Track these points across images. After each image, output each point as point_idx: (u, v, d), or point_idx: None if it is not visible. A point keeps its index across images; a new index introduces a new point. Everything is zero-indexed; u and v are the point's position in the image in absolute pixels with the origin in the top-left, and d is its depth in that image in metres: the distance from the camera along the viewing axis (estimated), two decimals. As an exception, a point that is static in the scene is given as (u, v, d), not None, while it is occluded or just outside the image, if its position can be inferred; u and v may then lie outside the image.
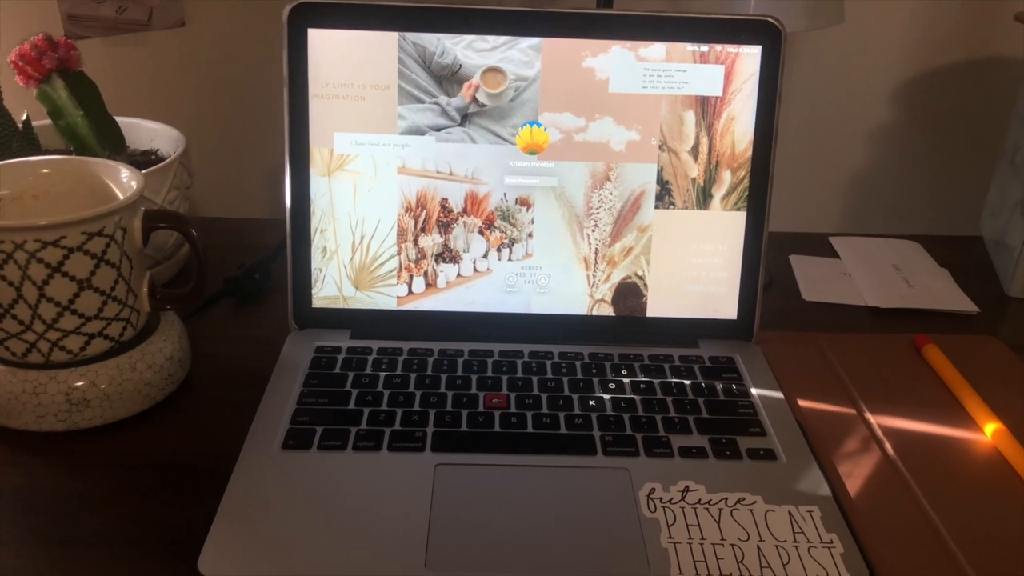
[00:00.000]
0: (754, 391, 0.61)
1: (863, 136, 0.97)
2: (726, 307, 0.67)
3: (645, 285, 0.66)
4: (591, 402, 0.59)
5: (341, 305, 0.66)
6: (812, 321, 0.75)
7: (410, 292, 0.66)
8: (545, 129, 0.65)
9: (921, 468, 0.54)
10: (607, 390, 0.61)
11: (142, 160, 0.76)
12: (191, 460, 0.55)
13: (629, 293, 0.67)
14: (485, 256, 0.66)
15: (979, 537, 0.49)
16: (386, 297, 0.66)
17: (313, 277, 0.66)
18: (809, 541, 0.48)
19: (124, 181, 0.59)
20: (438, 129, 0.64)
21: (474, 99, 0.64)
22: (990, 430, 0.58)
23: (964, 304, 0.77)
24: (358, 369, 0.62)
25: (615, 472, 0.53)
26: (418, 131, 0.64)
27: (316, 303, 0.66)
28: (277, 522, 0.48)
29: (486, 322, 0.67)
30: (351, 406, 0.58)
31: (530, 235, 0.66)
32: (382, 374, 0.61)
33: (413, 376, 0.61)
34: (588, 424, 0.57)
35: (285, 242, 0.65)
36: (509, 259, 0.66)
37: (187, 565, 0.45)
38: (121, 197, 0.57)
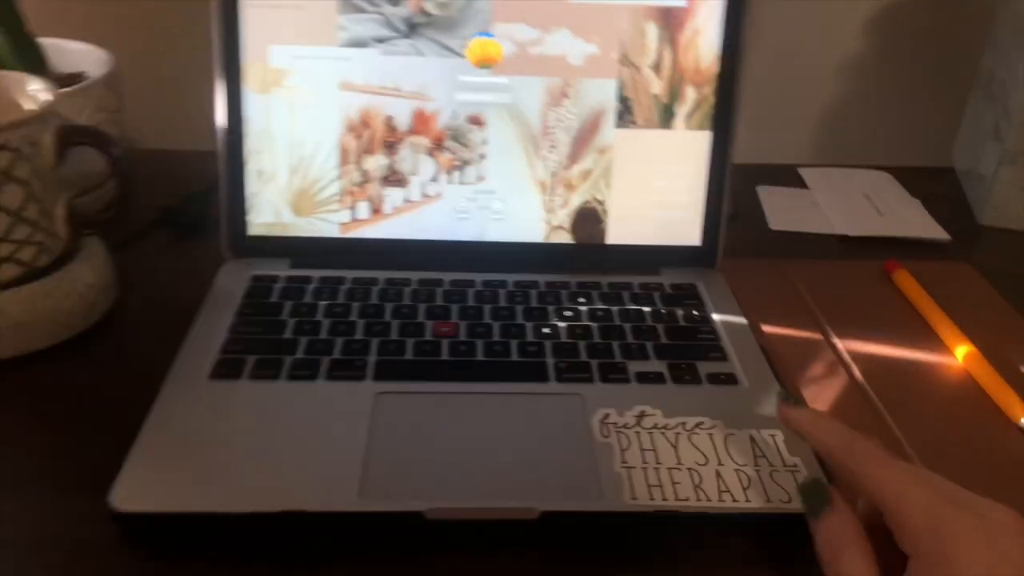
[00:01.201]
0: (716, 317, 0.58)
1: (834, 66, 0.94)
2: (689, 233, 0.64)
3: (605, 210, 0.63)
4: (545, 330, 0.56)
5: (280, 232, 0.62)
6: (779, 250, 0.72)
7: (354, 219, 0.62)
8: (498, 41, 0.60)
9: (890, 392, 0.52)
10: (563, 318, 0.57)
11: (66, 82, 0.70)
12: (112, 393, 0.51)
13: (588, 219, 0.63)
14: (434, 179, 0.62)
15: (949, 461, 0.47)
16: (328, 224, 0.62)
17: (248, 203, 0.61)
18: (771, 465, 0.45)
19: (34, 94, 0.54)
20: (382, 41, 0.60)
21: (421, 8, 0.59)
22: (961, 353, 0.55)
23: (936, 232, 0.74)
24: (296, 299, 0.58)
25: (568, 398, 0.50)
26: (360, 43, 0.60)
27: (252, 231, 0.62)
28: (199, 455, 0.44)
29: (436, 250, 0.63)
30: (287, 335, 0.54)
31: (482, 157, 0.62)
32: (322, 303, 0.58)
33: (356, 306, 0.57)
34: (541, 351, 0.54)
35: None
36: (460, 183, 0.62)
37: (101, 501, 0.41)
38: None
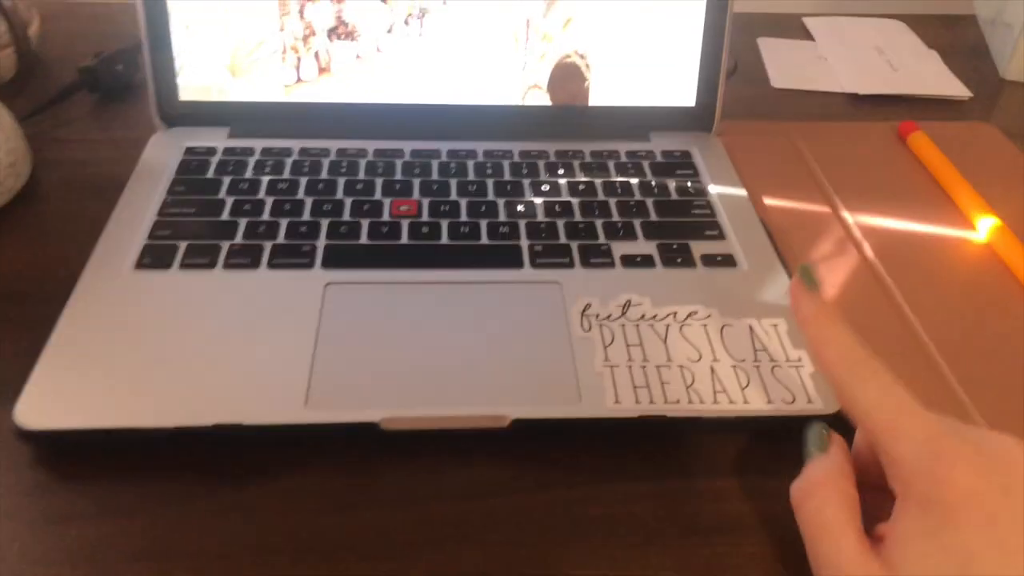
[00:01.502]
0: (712, 189, 0.52)
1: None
2: (683, 93, 0.56)
3: (587, 66, 0.55)
4: (520, 207, 0.49)
5: (215, 97, 0.54)
6: (782, 110, 0.64)
7: (299, 79, 0.54)
8: None
9: (904, 272, 0.46)
10: (540, 193, 0.51)
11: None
12: (22, 286, 0.45)
13: (568, 76, 0.55)
14: (390, 31, 0.53)
15: (968, 349, 0.42)
16: (270, 85, 0.54)
17: (177, 62, 0.53)
18: (773, 359, 0.40)
19: None
20: None
21: None
22: (984, 226, 0.49)
23: (955, 88, 0.67)
24: (236, 173, 0.51)
25: (544, 287, 0.44)
26: None
27: (184, 95, 0.54)
28: (120, 359, 0.38)
29: (395, 115, 0.55)
30: (225, 217, 0.47)
31: (445, 2, 0.53)
32: (265, 179, 0.50)
33: (304, 181, 0.50)
34: (515, 232, 0.47)
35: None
36: (420, 35, 0.54)
37: (5, 413, 0.35)
38: None
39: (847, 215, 0.51)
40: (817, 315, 0.34)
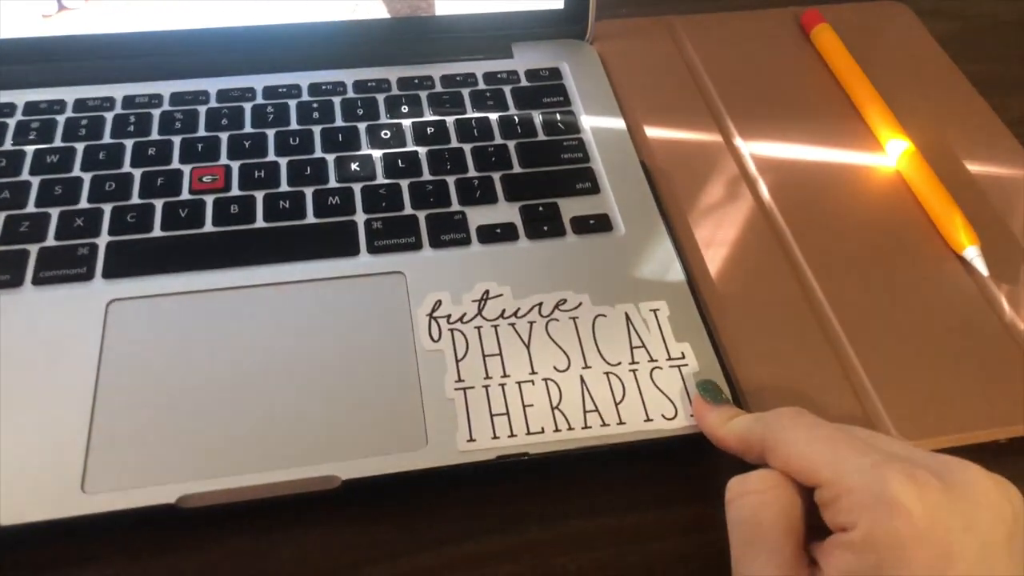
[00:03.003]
0: (585, 121, 0.43)
1: None
2: (549, -9, 0.46)
3: (430, -34, 0.44)
4: (354, 166, 0.40)
5: (-47, 36, 0.42)
6: (669, -5, 0.55)
7: (61, 6, 0.42)
8: None
9: (803, 216, 0.40)
10: (379, 143, 0.42)
11: None
12: None
13: (407, -19, 0.45)
14: (170, -63, 0.42)
15: (870, 311, 0.36)
16: (24, 15, 0.42)
17: None
18: (652, 358, 0.34)
19: None
20: None
21: None
22: (894, 150, 0.43)
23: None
24: (-10, 144, 0.40)
25: (384, 280, 0.36)
26: None
27: (-89, 36, 0.42)
28: None
29: (194, 45, 0.44)
30: (-25, 211, 0.38)
31: None
32: (30, 149, 0.40)
33: (80, 149, 0.40)
34: (348, 203, 0.39)
35: None
36: (211, -60, 0.42)
37: None
38: None
39: (740, 144, 0.44)
40: (717, 423, 0.31)
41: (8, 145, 0.40)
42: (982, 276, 0.38)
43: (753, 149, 0.43)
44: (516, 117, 0.43)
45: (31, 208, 0.38)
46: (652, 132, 0.44)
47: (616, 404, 0.33)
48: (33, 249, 0.36)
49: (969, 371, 0.34)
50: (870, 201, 0.41)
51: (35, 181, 0.39)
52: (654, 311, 0.36)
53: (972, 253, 0.38)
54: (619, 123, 0.43)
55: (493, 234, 0.38)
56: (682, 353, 0.34)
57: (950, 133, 0.44)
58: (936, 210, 0.40)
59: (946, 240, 0.39)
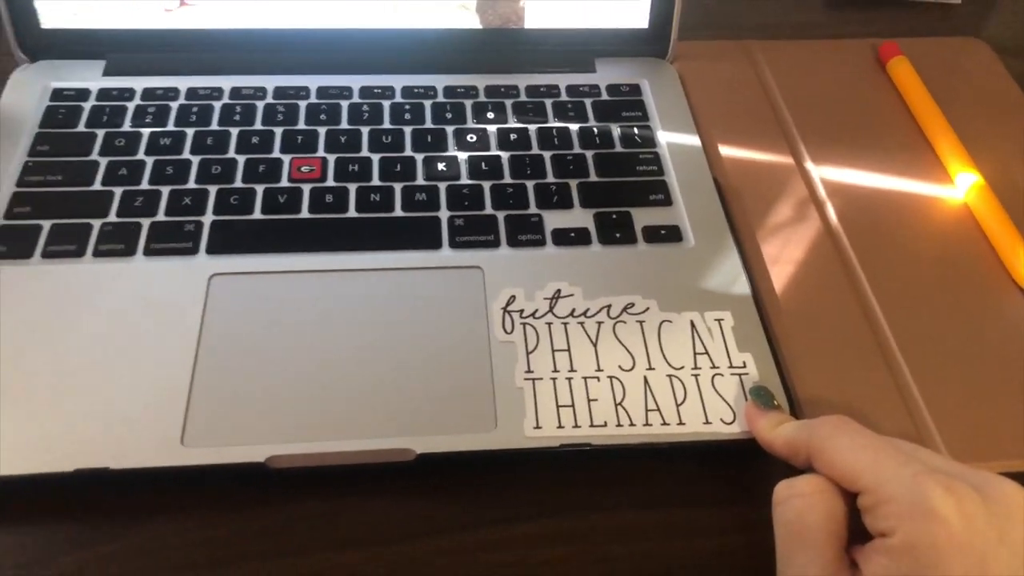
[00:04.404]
0: (662, 136, 0.45)
1: None
2: (634, 13, 0.48)
3: (523, -18, 0.47)
4: (441, 166, 0.43)
5: (85, 24, 0.46)
6: (750, 16, 0.57)
7: (183, 1, 0.46)
8: None
9: (869, 242, 0.41)
10: (465, 146, 0.44)
11: None
12: None
13: (500, -6, 0.47)
14: (285, -56, 0.45)
15: (930, 343, 0.37)
16: (148, 9, 0.46)
17: (32, -18, 0.44)
18: (714, 365, 0.36)
19: None
20: None
21: None
22: (963, 183, 0.44)
23: (947, -11, 0.59)
24: (112, 124, 0.44)
25: (463, 274, 0.39)
26: None
27: (46, 21, 0.46)
28: (-33, 385, 0.33)
29: (299, 44, 0.47)
30: (97, 186, 0.41)
31: (349, -92, 0.44)
32: (146, 131, 0.43)
33: (191, 134, 0.44)
34: (434, 200, 0.41)
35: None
36: (322, -53, 0.45)
37: None
38: None
39: (811, 167, 0.45)
40: (767, 428, 0.33)
41: (127, 127, 0.44)
42: (1045, 311, 0.39)
43: (823, 173, 0.44)
44: (595, 129, 0.45)
45: (145, 185, 0.41)
46: (726, 151, 0.45)
47: (677, 405, 0.34)
48: (145, 223, 0.39)
49: (1022, 401, 0.35)
50: (936, 230, 0.42)
51: (149, 161, 0.42)
52: (719, 320, 0.37)
53: (1036, 287, 0.39)
54: (694, 140, 0.45)
55: (567, 237, 0.40)
56: (743, 362, 0.36)
57: (1020, 169, 0.45)
58: (1001, 243, 0.41)
59: (1010, 272, 0.40)
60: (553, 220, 0.41)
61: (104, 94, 0.45)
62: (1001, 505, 0.26)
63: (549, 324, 0.37)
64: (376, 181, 0.42)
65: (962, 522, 0.25)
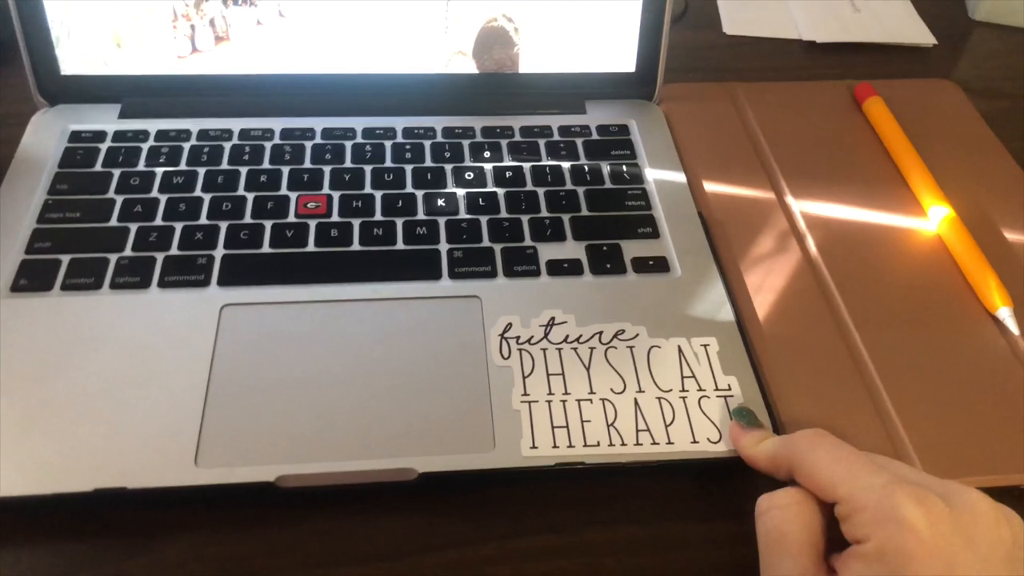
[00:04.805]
0: (649, 174, 0.48)
1: None
2: (622, 58, 0.51)
3: (516, 28, 0.50)
4: (440, 202, 0.45)
5: (101, 70, 0.48)
6: (732, 61, 0.60)
7: (194, 49, 0.48)
8: None
9: (847, 272, 0.43)
10: (463, 183, 0.46)
11: None
12: None
13: (495, 40, 0.50)
14: (293, -5, 0.48)
15: (906, 360, 0.39)
16: (162, 57, 0.48)
17: (54, 30, 0.47)
18: (701, 388, 0.38)
19: None
20: None
21: None
22: (936, 216, 0.46)
23: (919, 34, 0.62)
24: (127, 164, 0.46)
25: (462, 303, 0.41)
26: None
27: (66, 68, 0.48)
28: (-9, 410, 0.35)
29: (303, 88, 0.50)
30: (113, 222, 0.43)
31: (353, -38, 0.47)
32: (159, 171, 0.46)
33: (202, 173, 0.46)
34: (434, 234, 0.44)
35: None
36: (327, -2, 0.48)
37: None
38: None
39: (792, 201, 0.47)
40: (749, 445, 0.34)
41: (142, 166, 0.46)
42: (1014, 335, 0.41)
43: (803, 207, 0.47)
44: (586, 166, 0.48)
45: (159, 221, 0.43)
46: (710, 186, 0.48)
47: (666, 426, 0.36)
48: (159, 256, 0.41)
49: (995, 420, 0.37)
50: (910, 261, 0.44)
51: (163, 199, 0.44)
52: (705, 346, 0.39)
53: (1005, 313, 0.41)
54: (680, 176, 0.48)
55: (561, 268, 0.42)
56: (729, 385, 0.38)
57: (989, 202, 0.48)
58: (972, 272, 0.43)
59: (981, 301, 0.42)
60: (547, 252, 0.43)
61: (120, 136, 0.47)
62: (967, 513, 0.27)
63: (544, 350, 0.39)
64: (379, 216, 0.44)
65: (930, 529, 0.27)
